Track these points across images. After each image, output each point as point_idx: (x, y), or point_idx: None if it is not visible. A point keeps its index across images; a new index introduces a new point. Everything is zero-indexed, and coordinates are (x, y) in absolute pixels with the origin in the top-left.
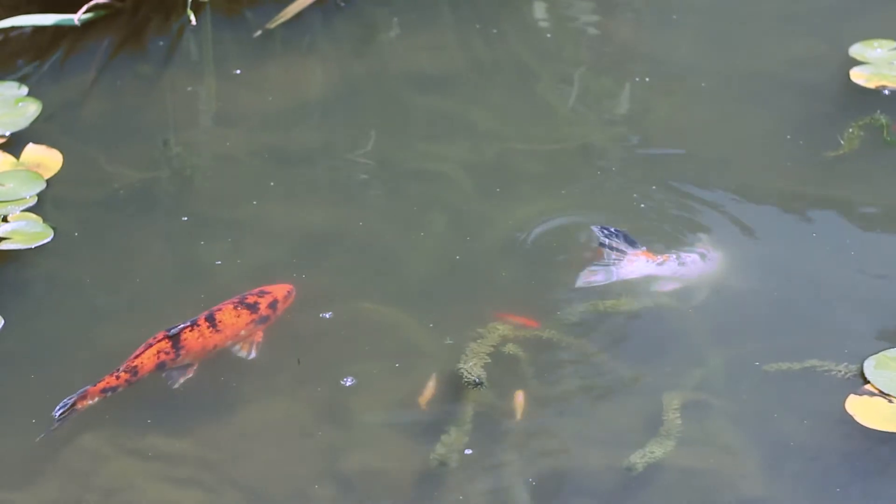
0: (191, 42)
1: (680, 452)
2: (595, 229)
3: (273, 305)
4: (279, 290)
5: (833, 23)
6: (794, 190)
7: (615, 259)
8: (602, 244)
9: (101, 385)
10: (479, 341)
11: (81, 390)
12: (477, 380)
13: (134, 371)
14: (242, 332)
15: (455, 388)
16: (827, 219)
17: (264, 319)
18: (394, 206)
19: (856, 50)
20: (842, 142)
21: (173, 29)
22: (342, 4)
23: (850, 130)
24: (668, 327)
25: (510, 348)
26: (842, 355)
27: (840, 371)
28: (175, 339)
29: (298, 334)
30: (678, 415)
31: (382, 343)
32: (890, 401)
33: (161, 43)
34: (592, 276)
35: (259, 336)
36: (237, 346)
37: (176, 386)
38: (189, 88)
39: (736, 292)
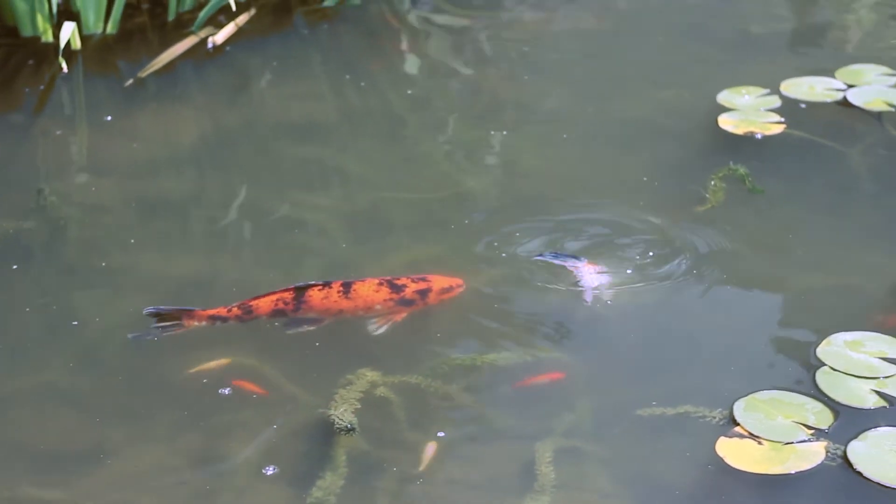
0: (63, 91)
1: (555, 498)
2: (549, 258)
3: (424, 293)
4: (441, 281)
5: (702, 71)
6: (664, 238)
7: (580, 272)
8: (567, 266)
9: (210, 312)
10: (348, 388)
11: (190, 308)
12: (348, 425)
13: (248, 310)
14: (377, 307)
15: (326, 434)
16: (697, 266)
17: (407, 302)
18: (266, 254)
19: (724, 97)
20: (707, 195)
21: (45, 77)
22: (211, 49)
23: (713, 183)
24: (544, 373)
25: (381, 392)
26: (713, 399)
27: (714, 417)
28: (299, 292)
29: (171, 382)
30: (551, 468)
31: (256, 392)
32: (759, 442)
33: (33, 91)
34: (596, 284)
35: (399, 317)
36: (372, 319)
37: (290, 332)
38: (60, 134)
39: (610, 340)
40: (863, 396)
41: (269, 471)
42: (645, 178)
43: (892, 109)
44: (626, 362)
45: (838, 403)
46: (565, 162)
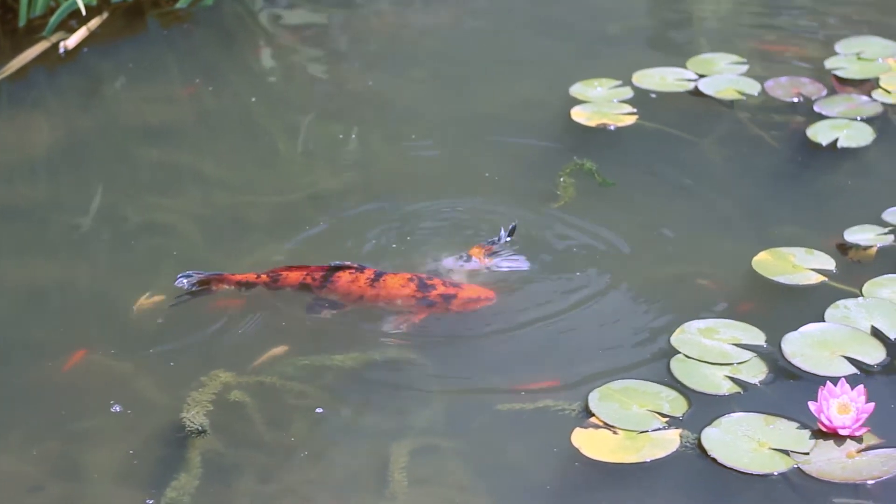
0: None
1: (413, 494)
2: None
3: (448, 298)
4: (470, 290)
5: (556, 65)
6: (519, 234)
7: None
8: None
9: (238, 277)
10: (200, 390)
11: (219, 273)
12: (199, 427)
13: (275, 278)
14: (399, 302)
15: (181, 436)
16: (552, 261)
17: (430, 303)
18: (123, 258)
19: (576, 89)
20: (558, 192)
21: None
22: (63, 54)
23: (561, 179)
24: (399, 373)
25: (236, 395)
26: (571, 391)
27: (573, 409)
28: (330, 272)
29: (29, 388)
30: (410, 464)
31: (113, 395)
32: (614, 432)
33: None
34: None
35: (419, 317)
36: (391, 315)
37: (311, 314)
38: None
39: (467, 336)
40: (717, 383)
41: (124, 473)
42: (499, 175)
43: (744, 98)
44: (484, 358)
45: (692, 391)
46: (420, 160)
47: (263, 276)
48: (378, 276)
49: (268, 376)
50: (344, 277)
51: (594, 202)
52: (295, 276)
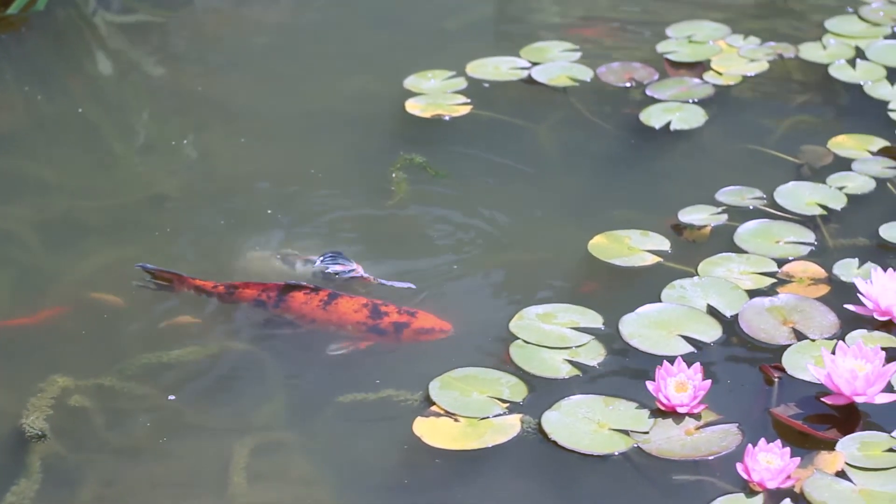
0: None
1: (258, 490)
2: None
3: (399, 327)
4: (425, 320)
5: (392, 59)
6: (357, 231)
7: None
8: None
9: (198, 281)
10: (39, 395)
11: (179, 272)
12: (39, 432)
13: (231, 290)
14: (349, 327)
15: (21, 442)
16: (390, 256)
17: (380, 332)
18: None
19: (410, 82)
20: (393, 188)
21: None
22: None
23: (394, 175)
24: (239, 367)
25: (76, 400)
26: (414, 381)
27: (416, 399)
28: (285, 290)
29: None
30: (253, 460)
31: None
32: (456, 420)
33: None
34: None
35: (365, 344)
36: (337, 340)
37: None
38: None
39: (306, 332)
40: (556, 367)
41: None
42: (335, 172)
43: (576, 84)
44: (324, 349)
45: (532, 375)
46: (256, 159)
47: (220, 287)
48: (332, 298)
49: (106, 378)
50: (298, 298)
51: (429, 195)
52: (251, 293)
